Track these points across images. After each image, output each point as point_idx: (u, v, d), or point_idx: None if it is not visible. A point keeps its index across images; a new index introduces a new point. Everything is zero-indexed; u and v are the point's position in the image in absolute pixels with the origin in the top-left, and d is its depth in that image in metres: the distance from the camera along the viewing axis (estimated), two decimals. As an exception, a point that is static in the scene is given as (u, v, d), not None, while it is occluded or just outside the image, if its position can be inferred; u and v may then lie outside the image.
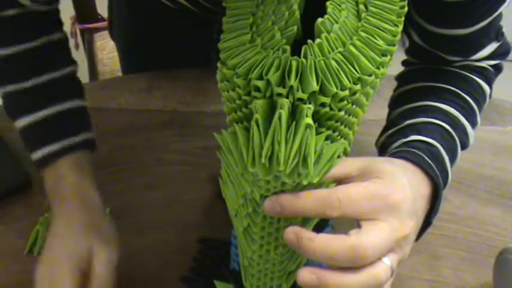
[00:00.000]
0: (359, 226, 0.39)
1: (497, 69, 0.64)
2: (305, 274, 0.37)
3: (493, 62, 0.63)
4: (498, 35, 0.61)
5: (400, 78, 0.65)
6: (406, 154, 0.48)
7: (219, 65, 0.40)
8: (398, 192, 0.41)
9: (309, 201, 0.38)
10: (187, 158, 0.76)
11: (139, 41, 0.98)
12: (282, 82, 0.36)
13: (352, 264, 0.38)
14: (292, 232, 0.38)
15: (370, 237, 0.38)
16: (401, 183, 0.42)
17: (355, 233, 0.38)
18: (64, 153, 0.61)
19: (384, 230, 0.39)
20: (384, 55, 0.38)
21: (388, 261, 0.39)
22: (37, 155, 0.61)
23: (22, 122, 0.62)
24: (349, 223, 0.40)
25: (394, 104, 0.63)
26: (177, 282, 0.62)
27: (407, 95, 0.62)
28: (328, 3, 0.39)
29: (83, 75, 1.29)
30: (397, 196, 0.40)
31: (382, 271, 0.39)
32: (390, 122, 0.60)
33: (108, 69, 1.59)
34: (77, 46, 1.70)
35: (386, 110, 0.64)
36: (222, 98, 0.42)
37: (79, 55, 1.59)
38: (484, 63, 0.62)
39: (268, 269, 0.45)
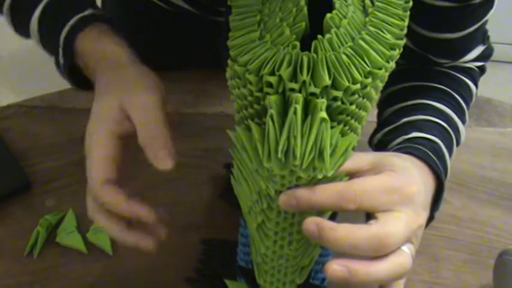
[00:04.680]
0: (374, 218, 0.39)
1: (482, 70, 0.65)
2: (334, 267, 0.37)
3: (478, 64, 0.64)
4: (484, 38, 0.62)
5: (387, 79, 0.66)
6: (411, 150, 0.49)
7: (229, 62, 0.40)
8: (413, 184, 0.41)
9: (325, 194, 0.38)
10: (187, 159, 0.76)
11: (136, 44, 0.98)
12: (293, 77, 0.36)
13: (375, 253, 0.38)
14: (312, 223, 0.38)
15: (390, 225, 0.38)
16: (415, 176, 0.42)
17: (375, 223, 0.38)
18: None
19: (401, 219, 0.39)
20: (392, 49, 0.39)
21: (408, 250, 0.40)
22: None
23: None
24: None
25: (384, 103, 0.63)
26: (179, 284, 0.62)
27: (399, 94, 0.62)
28: None
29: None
30: (412, 188, 0.41)
31: (406, 259, 0.39)
32: (384, 120, 0.61)
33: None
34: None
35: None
36: (231, 96, 0.42)
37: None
38: (470, 64, 0.63)
39: (282, 264, 0.45)
